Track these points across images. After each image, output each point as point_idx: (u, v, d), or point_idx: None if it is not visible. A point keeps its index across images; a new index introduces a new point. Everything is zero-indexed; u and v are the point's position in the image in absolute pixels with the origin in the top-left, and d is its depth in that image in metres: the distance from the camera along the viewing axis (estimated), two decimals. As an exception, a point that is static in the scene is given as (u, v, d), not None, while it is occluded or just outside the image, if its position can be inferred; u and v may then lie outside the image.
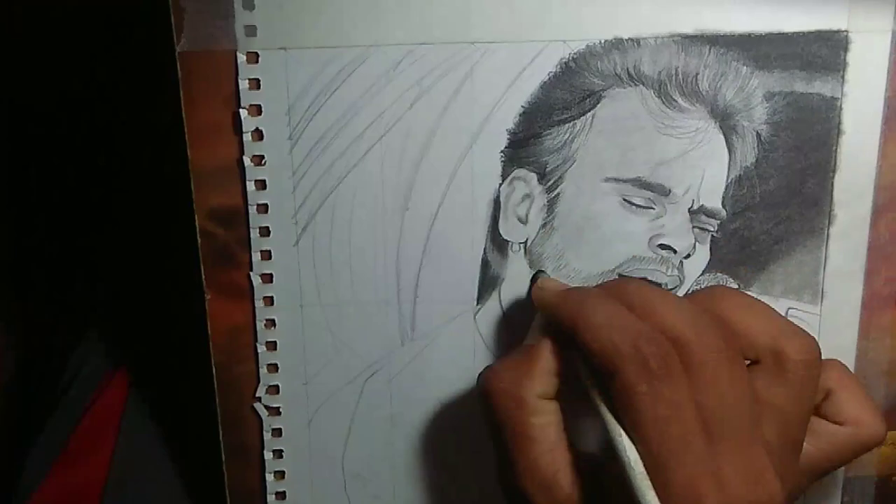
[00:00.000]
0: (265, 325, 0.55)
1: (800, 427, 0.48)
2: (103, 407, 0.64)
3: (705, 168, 0.53)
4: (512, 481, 0.47)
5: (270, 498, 0.57)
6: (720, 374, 0.44)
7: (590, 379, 0.46)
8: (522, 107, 0.52)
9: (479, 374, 0.49)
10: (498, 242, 0.54)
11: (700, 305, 0.47)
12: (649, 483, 0.43)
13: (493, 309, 0.55)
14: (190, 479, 0.64)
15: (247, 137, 0.51)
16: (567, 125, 0.52)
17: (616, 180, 0.53)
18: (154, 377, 0.67)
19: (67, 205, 0.74)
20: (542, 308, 0.51)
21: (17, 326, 0.73)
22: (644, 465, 0.43)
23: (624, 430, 0.44)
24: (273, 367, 0.55)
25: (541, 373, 0.48)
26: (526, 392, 0.47)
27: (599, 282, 0.54)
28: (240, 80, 0.50)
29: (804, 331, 0.48)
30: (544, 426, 0.47)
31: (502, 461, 0.48)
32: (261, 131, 0.51)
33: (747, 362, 0.48)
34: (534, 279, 0.54)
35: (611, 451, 0.45)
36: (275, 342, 0.55)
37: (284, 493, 0.58)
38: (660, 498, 0.43)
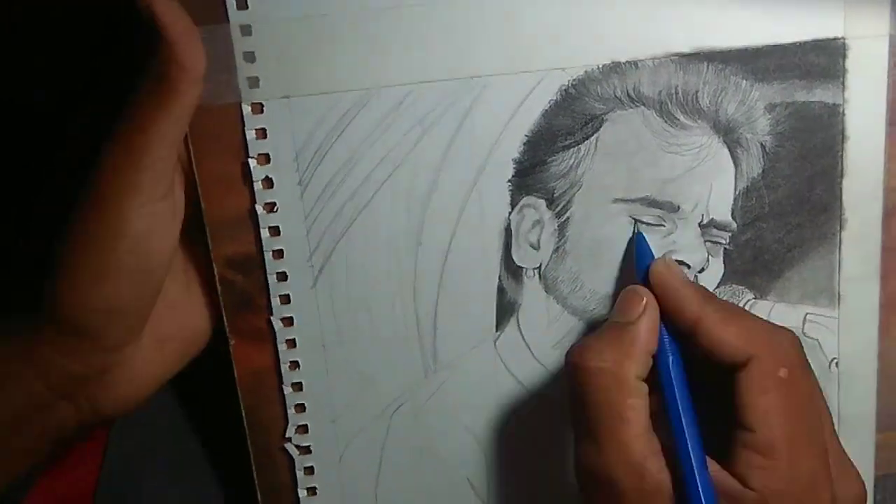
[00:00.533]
0: (289, 366, 0.55)
1: None
2: None
3: (712, 182, 0.53)
4: (597, 463, 0.47)
5: (307, 535, 0.58)
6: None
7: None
8: (526, 136, 0.52)
9: (569, 352, 0.49)
10: (512, 270, 0.55)
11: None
12: None
13: (512, 334, 0.56)
14: (184, 489, 0.64)
15: (257, 186, 0.52)
16: (571, 150, 0.53)
17: (624, 201, 0.53)
18: None
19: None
20: (665, 287, 0.50)
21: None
22: (764, 453, 0.45)
23: (749, 417, 0.45)
24: (300, 407, 0.56)
25: (640, 353, 0.48)
26: (627, 372, 0.47)
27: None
28: (246, 131, 0.51)
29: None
30: (639, 409, 0.47)
31: (586, 442, 0.48)
32: (271, 179, 0.52)
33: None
34: (636, 239, 0.54)
35: None
36: (300, 383, 0.56)
37: (320, 529, 0.58)
38: (783, 486, 0.44)
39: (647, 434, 0.47)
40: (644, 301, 0.49)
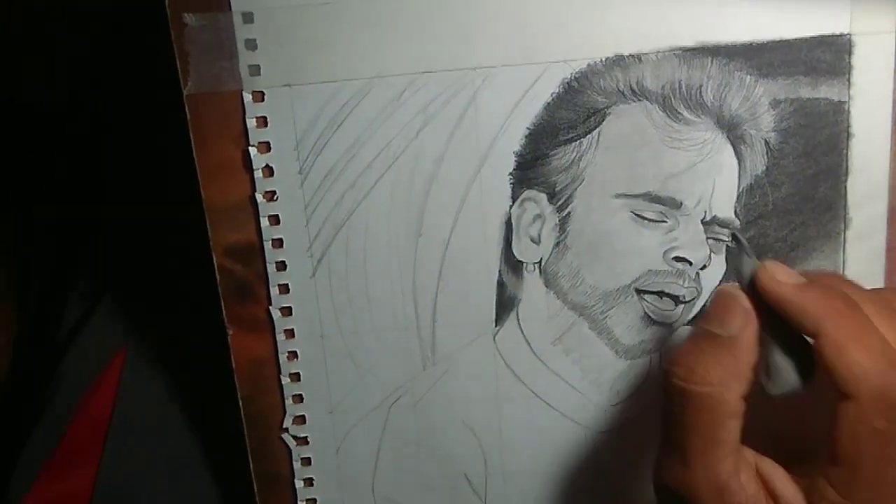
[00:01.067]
0: (287, 357, 0.55)
1: None
2: (89, 418, 0.64)
3: (715, 179, 0.53)
4: (682, 479, 0.45)
5: (304, 526, 0.58)
6: None
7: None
8: (528, 129, 0.52)
9: (669, 370, 0.45)
10: (512, 263, 0.54)
11: None
12: None
13: (512, 330, 0.55)
14: (180, 487, 0.64)
15: (258, 174, 0.52)
16: (573, 144, 0.52)
17: (626, 196, 0.53)
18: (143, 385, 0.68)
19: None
20: (776, 300, 0.45)
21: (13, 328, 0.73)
22: (842, 493, 0.43)
23: (838, 452, 0.43)
24: (298, 398, 0.56)
25: (746, 371, 0.44)
26: (733, 394, 0.44)
27: (617, 298, 0.54)
28: (247, 119, 0.51)
29: None
30: (735, 429, 0.44)
31: (673, 456, 0.46)
32: (271, 167, 0.52)
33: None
34: (735, 244, 0.47)
35: None
36: (298, 373, 0.56)
37: (317, 520, 0.58)
38: None
39: (735, 453, 0.45)
40: (746, 312, 0.45)
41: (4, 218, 0.58)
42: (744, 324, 0.44)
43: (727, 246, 0.54)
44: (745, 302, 0.45)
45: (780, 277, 0.45)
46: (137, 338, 0.66)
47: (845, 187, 0.53)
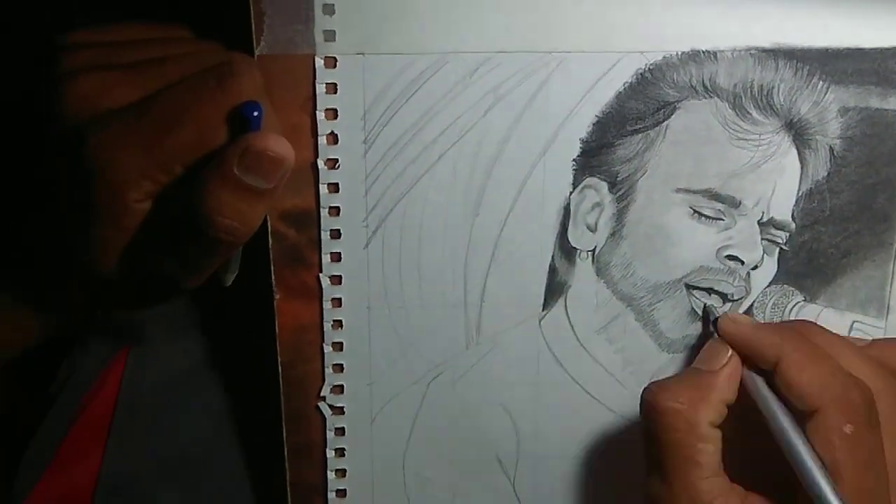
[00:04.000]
0: (332, 326, 0.55)
1: None
2: (92, 416, 0.64)
3: (777, 181, 0.53)
4: (664, 498, 0.48)
5: (331, 495, 0.58)
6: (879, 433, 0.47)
7: (778, 412, 0.48)
8: (596, 116, 0.52)
9: (645, 389, 0.50)
10: (566, 250, 0.54)
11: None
12: None
13: (558, 316, 0.55)
14: (185, 487, 0.64)
15: (322, 141, 0.52)
16: (640, 135, 0.52)
17: (687, 191, 0.53)
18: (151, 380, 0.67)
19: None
20: (737, 339, 0.51)
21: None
22: None
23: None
24: (338, 367, 0.56)
25: (717, 400, 0.49)
26: (701, 417, 0.48)
27: (666, 292, 0.54)
28: (317, 84, 0.51)
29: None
30: (710, 453, 0.48)
31: (656, 476, 0.49)
32: (336, 135, 0.52)
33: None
34: (706, 313, 0.55)
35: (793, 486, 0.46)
36: (341, 343, 0.55)
37: (345, 490, 0.58)
38: None
39: (716, 477, 0.48)
40: (729, 353, 0.50)
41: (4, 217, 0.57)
42: (724, 362, 0.50)
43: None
44: (730, 349, 0.50)
45: (739, 319, 0.52)
46: (140, 336, 0.66)
47: (903, 200, 0.54)
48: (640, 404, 0.50)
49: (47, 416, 0.65)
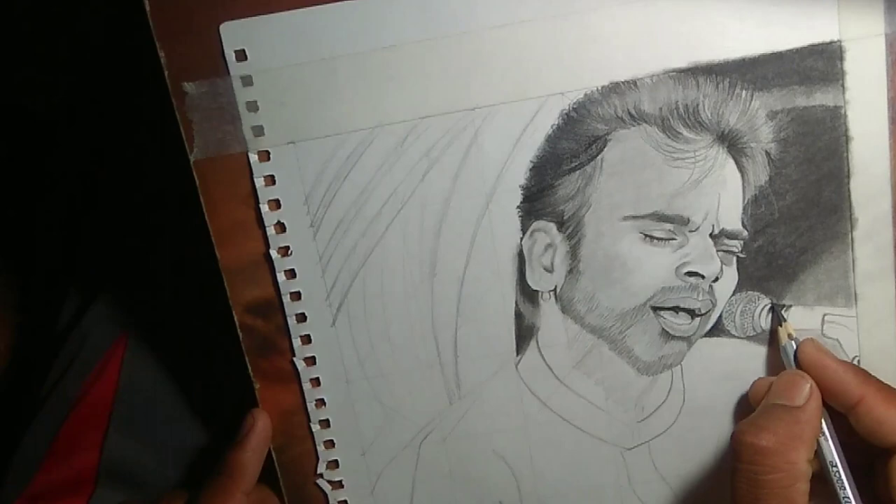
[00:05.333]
0: (315, 404, 0.56)
1: None
2: (92, 403, 0.64)
3: (720, 193, 0.53)
4: None
5: (346, 568, 0.59)
6: None
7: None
8: (531, 161, 0.53)
9: (738, 430, 0.50)
10: (528, 293, 0.55)
11: None
12: None
13: (533, 358, 0.56)
14: (184, 474, 0.65)
15: (270, 231, 0.53)
16: (577, 172, 0.53)
17: (634, 217, 0.54)
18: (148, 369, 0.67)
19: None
20: (824, 369, 0.52)
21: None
22: None
23: None
24: (329, 443, 0.57)
25: (810, 437, 0.50)
26: (800, 456, 0.48)
27: (634, 317, 0.55)
28: (255, 179, 0.52)
29: None
30: (805, 493, 0.48)
31: None
32: (283, 224, 0.53)
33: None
34: (774, 311, 0.55)
35: None
36: (327, 419, 0.56)
37: (358, 561, 0.59)
38: None
39: None
40: (809, 386, 0.51)
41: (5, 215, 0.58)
42: (808, 396, 0.51)
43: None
44: (810, 380, 0.51)
45: (821, 350, 0.53)
46: (139, 323, 0.66)
47: (849, 189, 0.54)
48: (734, 445, 0.50)
49: (47, 403, 0.65)
